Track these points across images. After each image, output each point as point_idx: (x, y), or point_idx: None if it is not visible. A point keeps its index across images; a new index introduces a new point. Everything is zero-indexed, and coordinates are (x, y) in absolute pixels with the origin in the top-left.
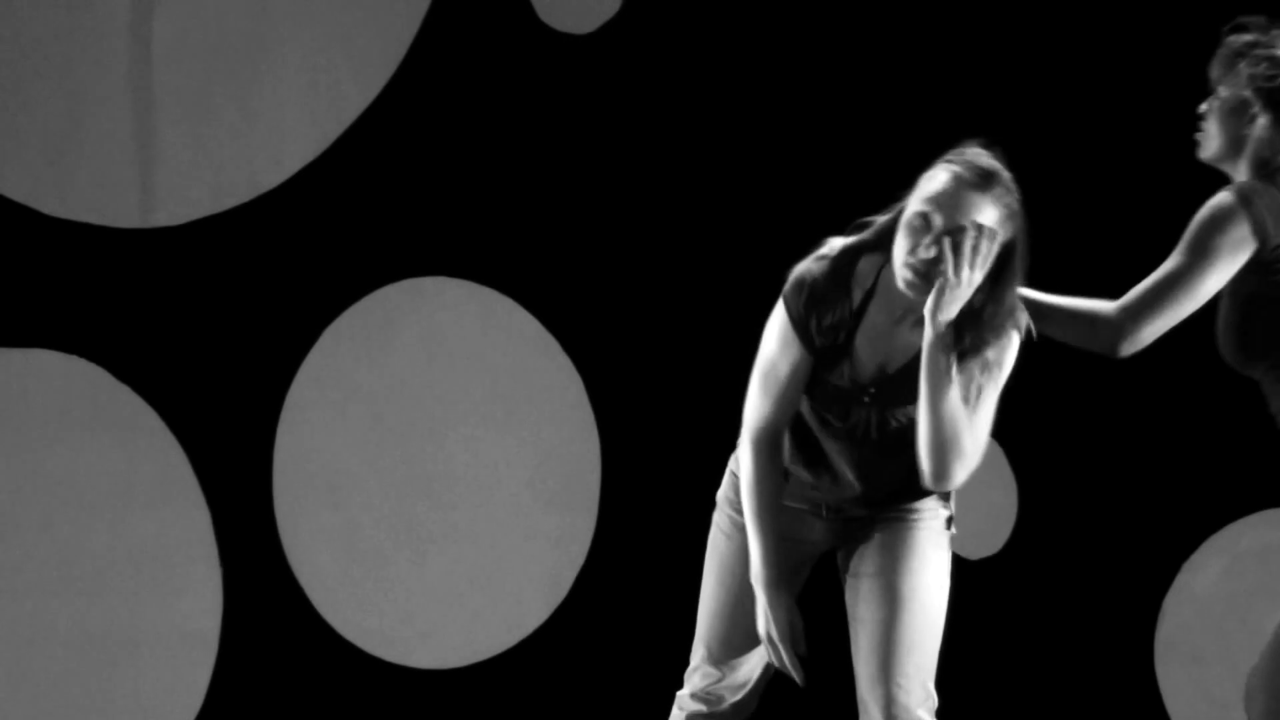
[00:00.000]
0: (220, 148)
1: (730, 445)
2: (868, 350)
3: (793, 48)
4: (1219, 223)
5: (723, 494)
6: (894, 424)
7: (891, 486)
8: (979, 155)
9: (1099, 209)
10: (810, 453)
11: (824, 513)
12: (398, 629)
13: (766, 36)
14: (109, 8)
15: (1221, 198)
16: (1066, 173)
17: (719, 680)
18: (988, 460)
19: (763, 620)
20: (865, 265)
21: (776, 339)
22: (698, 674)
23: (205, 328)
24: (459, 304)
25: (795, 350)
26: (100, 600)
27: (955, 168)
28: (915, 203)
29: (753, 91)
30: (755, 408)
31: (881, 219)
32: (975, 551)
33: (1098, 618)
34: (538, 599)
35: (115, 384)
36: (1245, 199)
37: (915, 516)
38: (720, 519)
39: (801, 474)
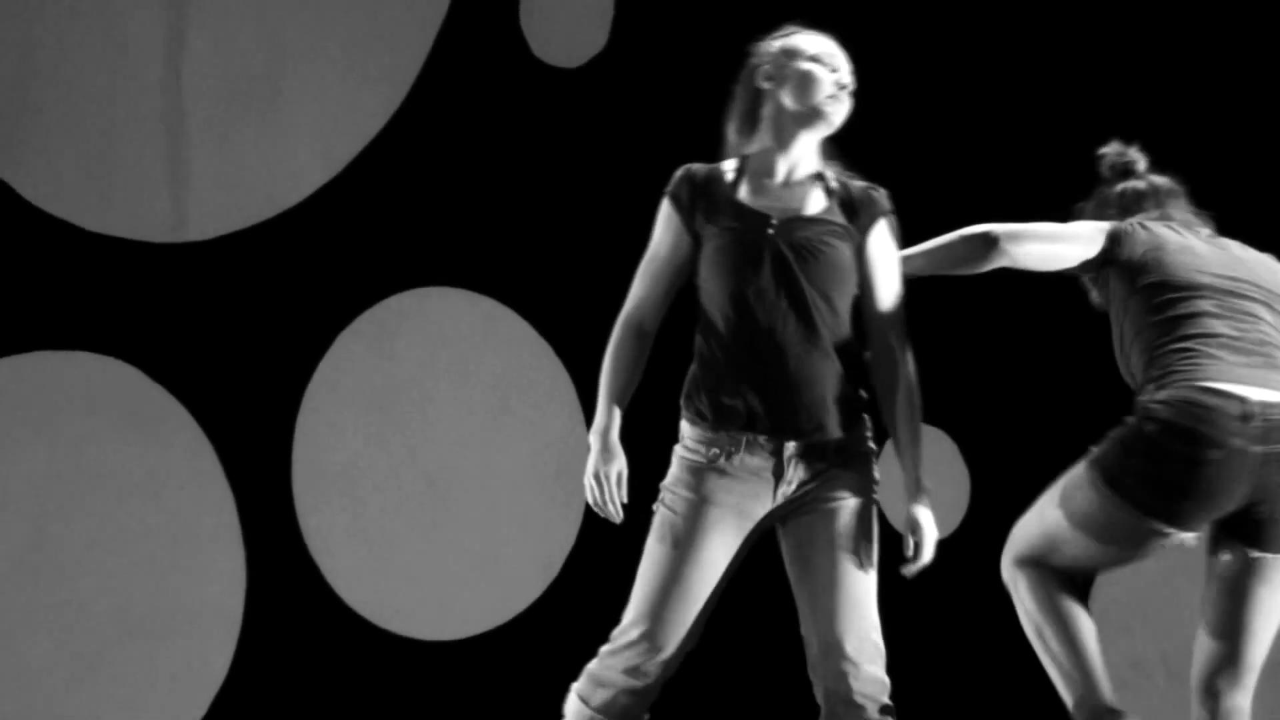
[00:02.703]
0: (244, 170)
1: None
2: (758, 200)
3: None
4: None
5: (671, 479)
6: (801, 280)
7: (813, 385)
8: (791, 28)
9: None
10: (738, 359)
11: (765, 462)
12: (405, 604)
13: (738, 61)
14: (144, 43)
15: None
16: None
17: (652, 657)
18: (941, 450)
19: (594, 463)
20: (727, 162)
21: (659, 226)
22: (632, 651)
23: (230, 332)
24: (461, 311)
25: (674, 227)
26: (134, 580)
27: (789, 34)
28: (794, 63)
29: (725, 111)
30: (633, 293)
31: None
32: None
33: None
34: (531, 578)
35: (148, 383)
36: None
37: (845, 485)
38: (670, 499)
39: (733, 392)
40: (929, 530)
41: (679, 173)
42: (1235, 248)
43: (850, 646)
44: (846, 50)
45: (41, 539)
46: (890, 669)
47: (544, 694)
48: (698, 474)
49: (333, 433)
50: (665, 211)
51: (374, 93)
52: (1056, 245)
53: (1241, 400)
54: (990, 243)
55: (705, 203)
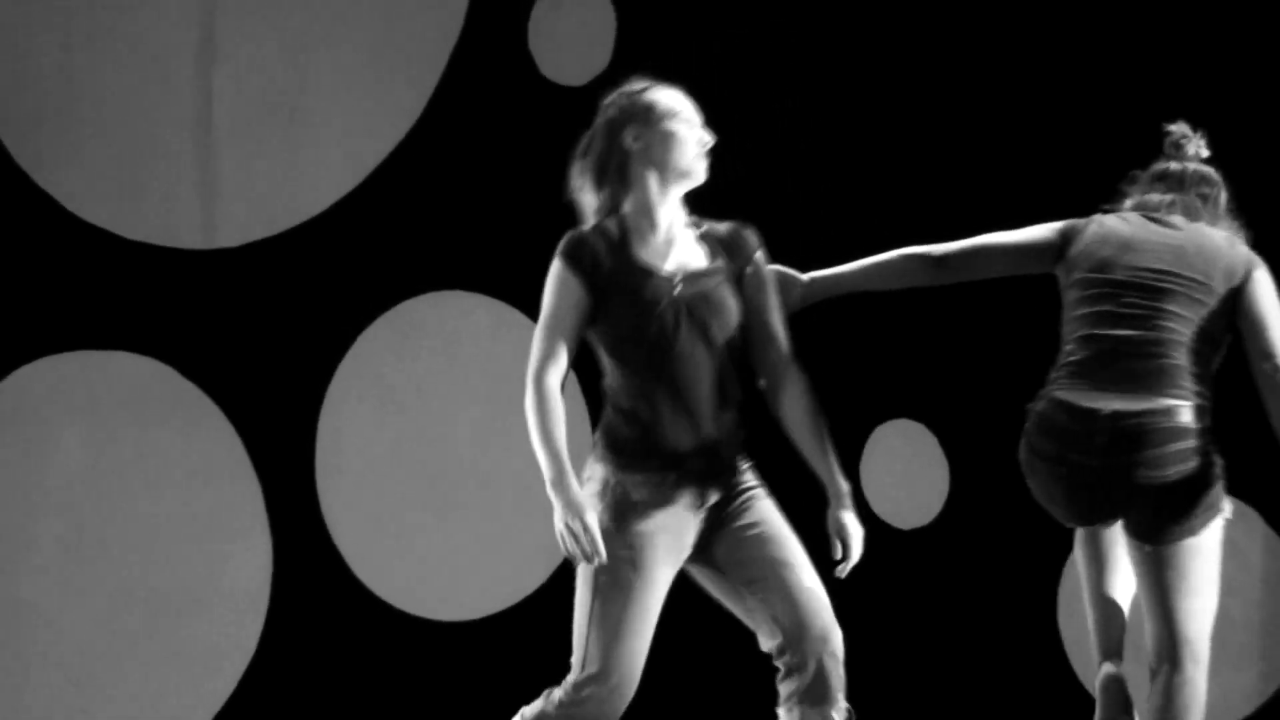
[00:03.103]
0: (270, 181)
1: None
2: (653, 258)
3: (763, 89)
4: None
5: (605, 529)
6: (710, 330)
7: (723, 424)
8: (634, 84)
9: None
10: (659, 411)
11: (693, 508)
12: (420, 587)
13: (737, 82)
14: (176, 63)
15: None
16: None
17: (616, 701)
18: (920, 442)
19: (563, 516)
20: (609, 220)
21: (550, 284)
22: (597, 699)
23: (258, 333)
24: (473, 313)
25: (574, 289)
26: (169, 563)
27: (647, 92)
28: (669, 112)
29: (724, 129)
30: (540, 351)
31: (593, 198)
32: (910, 522)
33: (1010, 580)
34: (538, 563)
35: (182, 380)
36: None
37: (751, 489)
38: (617, 556)
39: (657, 442)
40: (855, 531)
41: (571, 237)
42: (1191, 238)
43: (823, 614)
44: (845, 52)
45: (83, 525)
46: (873, 656)
47: (548, 671)
48: (627, 516)
49: (353, 427)
50: (563, 274)
51: (392, 109)
52: (998, 258)
53: (1091, 416)
54: (927, 260)
55: (604, 265)
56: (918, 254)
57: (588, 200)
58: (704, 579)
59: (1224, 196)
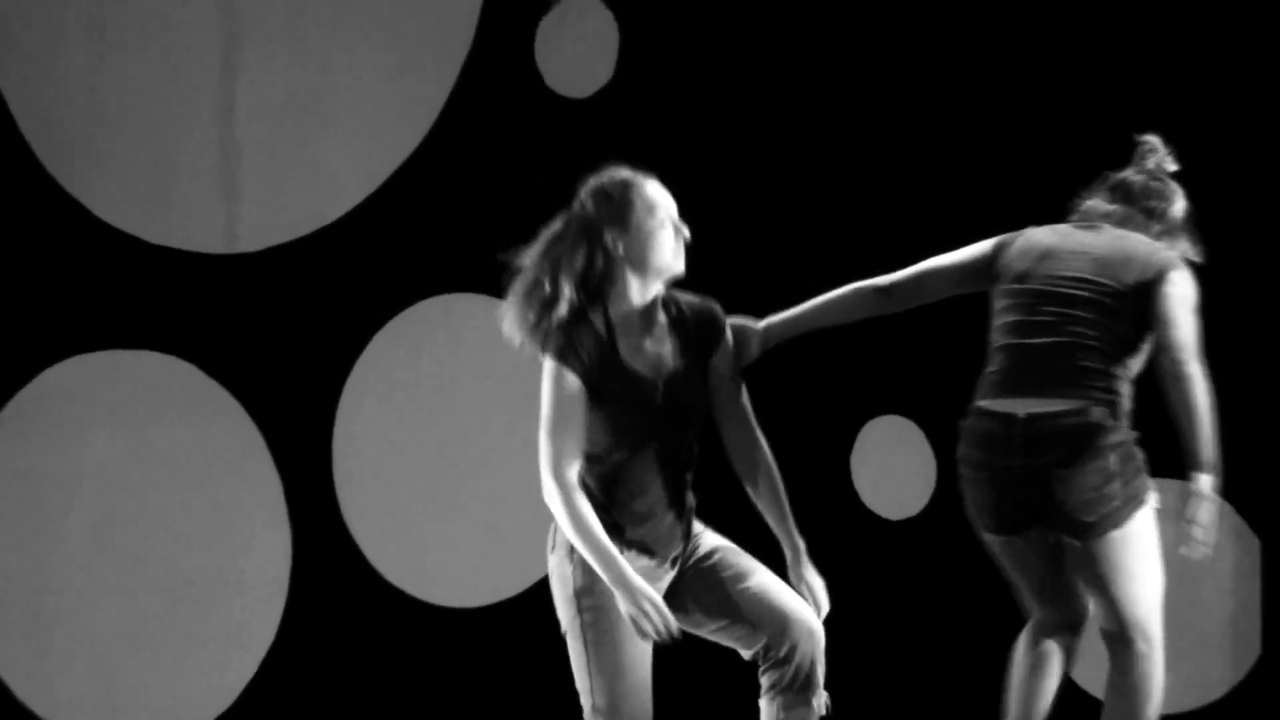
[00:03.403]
0: (289, 189)
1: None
2: (639, 361)
3: (758, 95)
4: None
5: (582, 585)
6: (683, 428)
7: (681, 501)
8: (612, 171)
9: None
10: (631, 495)
11: (664, 564)
12: (432, 575)
13: (733, 91)
14: (199, 74)
15: None
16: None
17: None
18: (908, 436)
19: (631, 604)
20: (592, 314)
21: (550, 383)
22: None
23: (278, 333)
24: (481, 315)
25: (569, 380)
26: (193, 552)
27: (624, 190)
28: (645, 213)
29: (722, 137)
30: (546, 447)
31: (567, 292)
32: (899, 513)
33: (997, 569)
34: (542, 554)
35: (205, 378)
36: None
37: (701, 534)
38: (594, 601)
39: (628, 521)
40: (817, 583)
41: (560, 336)
42: (1114, 245)
43: (799, 608)
44: (844, 53)
45: (111, 516)
46: (861, 643)
47: (551, 654)
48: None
49: (368, 422)
50: (559, 371)
51: (405, 120)
52: (941, 282)
53: (1010, 419)
54: (877, 291)
55: (593, 365)
56: (865, 286)
57: (567, 292)
58: (683, 622)
59: (1177, 210)
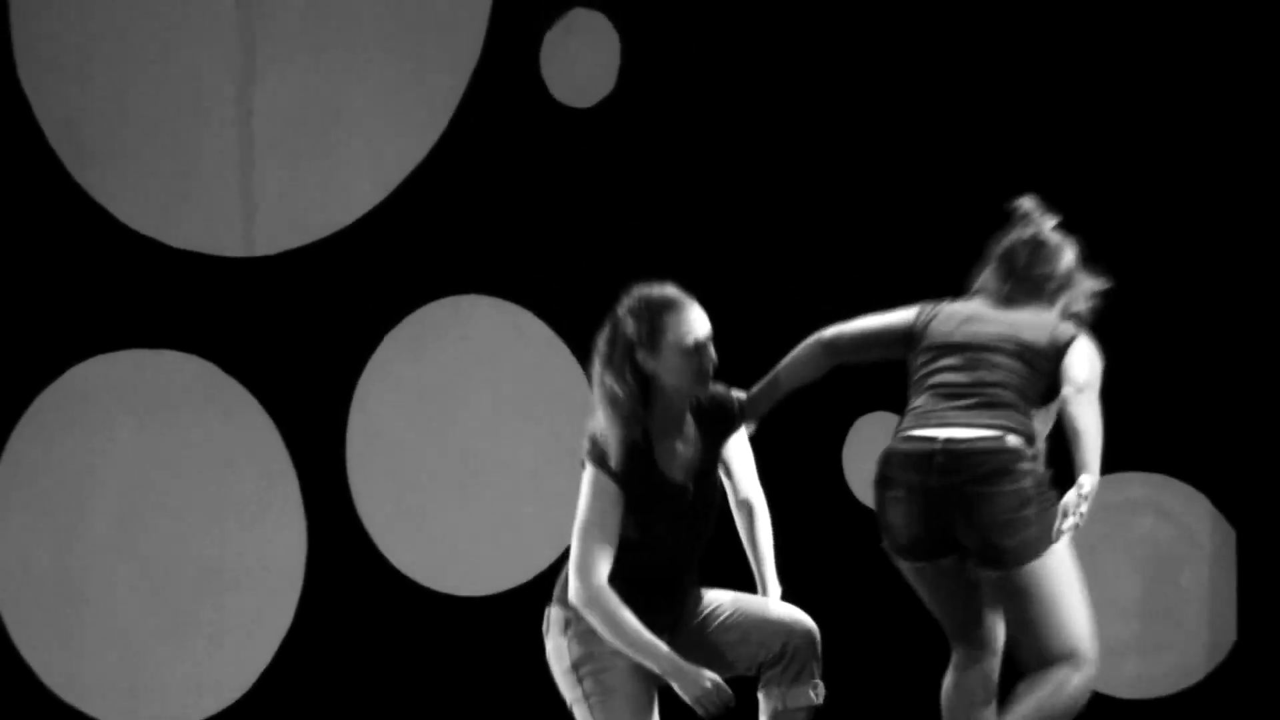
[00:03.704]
0: (305, 195)
1: None
2: (672, 467)
3: (756, 102)
4: None
5: (580, 656)
6: (704, 523)
7: (690, 585)
8: (651, 289)
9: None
10: (641, 581)
11: (662, 632)
12: (441, 565)
13: (731, 100)
14: (219, 85)
15: None
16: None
17: None
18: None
19: (691, 687)
20: (633, 421)
21: (588, 488)
22: None
23: (293, 333)
24: (489, 315)
25: (606, 487)
26: (212, 543)
27: (655, 314)
28: (673, 340)
29: (720, 145)
30: (581, 550)
31: (611, 413)
32: None
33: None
34: (547, 544)
35: (223, 376)
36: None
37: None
38: (595, 667)
39: (634, 606)
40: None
41: (597, 446)
42: (1023, 317)
43: (792, 611)
44: (843, 63)
45: (135, 507)
46: (853, 634)
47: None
48: (591, 640)
49: (380, 418)
50: (598, 478)
51: (415, 129)
52: (872, 343)
53: (929, 440)
54: (823, 346)
55: (629, 473)
56: (813, 341)
57: (615, 401)
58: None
59: (1066, 264)
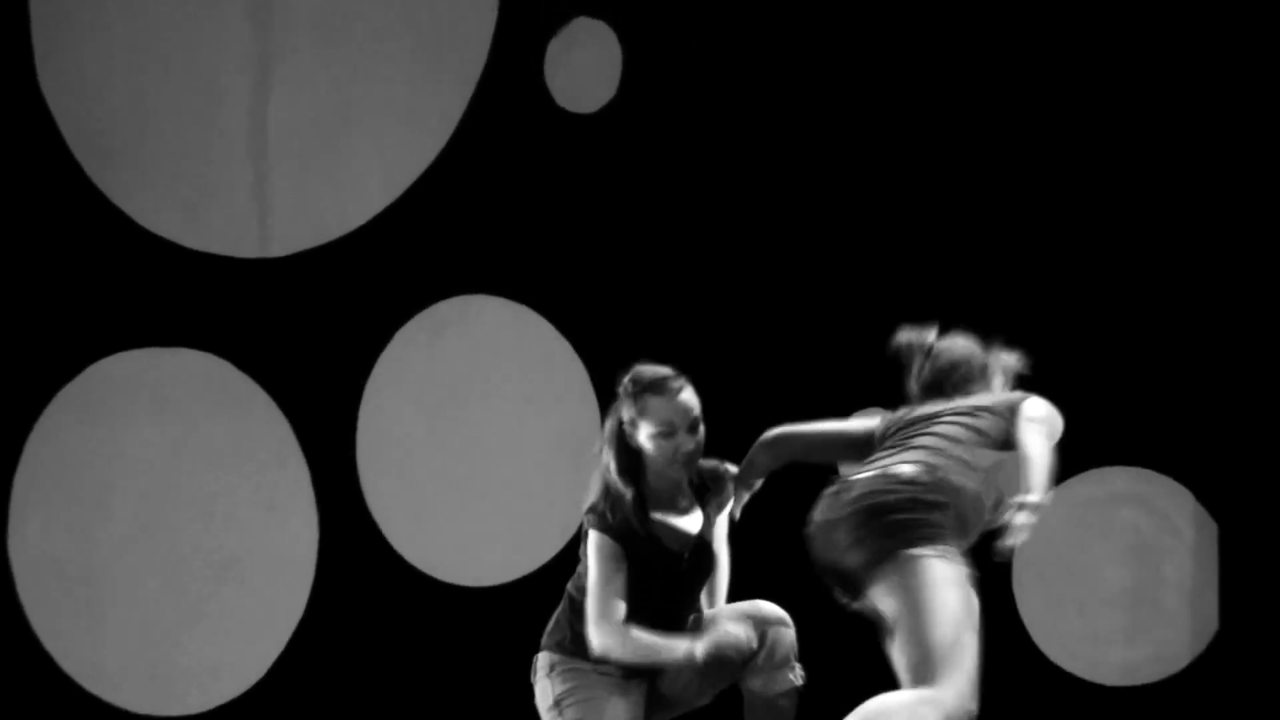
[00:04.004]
0: (318, 197)
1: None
2: (668, 536)
3: (755, 107)
4: None
5: (563, 690)
6: (697, 586)
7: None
8: (644, 370)
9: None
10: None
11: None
12: (449, 556)
13: (730, 105)
14: (234, 92)
15: None
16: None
17: None
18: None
19: (711, 648)
20: (629, 490)
21: (594, 551)
22: None
23: (306, 331)
24: (496, 314)
25: (609, 547)
26: (227, 534)
27: (641, 399)
28: (652, 424)
29: (719, 149)
30: (596, 605)
31: (612, 482)
32: None
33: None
34: (553, 536)
35: (238, 374)
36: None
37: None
38: (579, 698)
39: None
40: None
41: (601, 514)
42: (954, 401)
43: (760, 610)
44: (844, 70)
45: (152, 501)
46: (844, 637)
47: None
48: (577, 676)
49: (390, 414)
50: (603, 541)
51: (424, 134)
52: (833, 444)
53: (846, 478)
54: (778, 441)
55: (629, 537)
56: (766, 439)
57: (609, 474)
58: (669, 710)
59: (979, 359)
